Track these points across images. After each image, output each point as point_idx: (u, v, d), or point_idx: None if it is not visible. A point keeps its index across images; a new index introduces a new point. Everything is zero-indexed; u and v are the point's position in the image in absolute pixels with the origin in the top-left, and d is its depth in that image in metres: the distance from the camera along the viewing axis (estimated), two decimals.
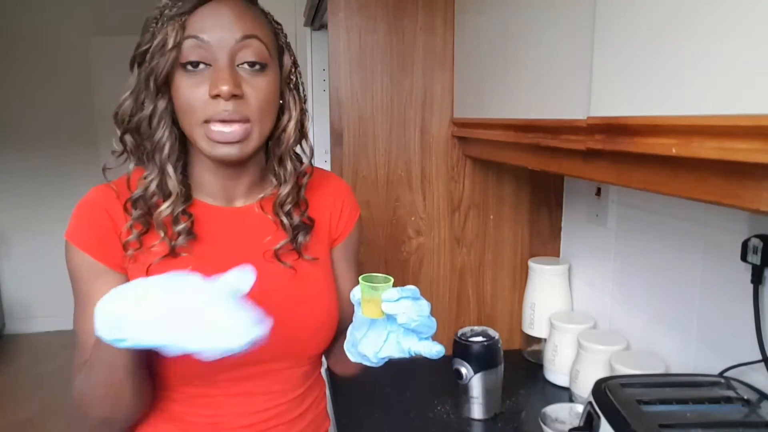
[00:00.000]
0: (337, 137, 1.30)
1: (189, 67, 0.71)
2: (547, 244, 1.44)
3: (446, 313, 1.41)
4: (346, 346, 0.78)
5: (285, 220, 0.80)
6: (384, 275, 0.69)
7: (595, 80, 0.68)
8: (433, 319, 0.71)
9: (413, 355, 0.73)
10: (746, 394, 0.79)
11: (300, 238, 0.82)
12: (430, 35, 1.29)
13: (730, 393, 0.80)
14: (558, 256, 1.45)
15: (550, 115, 0.82)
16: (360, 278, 0.69)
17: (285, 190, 0.80)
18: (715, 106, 0.48)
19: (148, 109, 0.73)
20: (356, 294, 0.70)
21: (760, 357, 0.83)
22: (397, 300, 0.66)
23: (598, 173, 0.73)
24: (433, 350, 0.72)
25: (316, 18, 1.81)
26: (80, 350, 0.75)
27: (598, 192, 1.27)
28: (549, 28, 0.82)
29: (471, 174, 1.37)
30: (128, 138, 0.76)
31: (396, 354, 0.73)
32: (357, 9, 1.26)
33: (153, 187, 0.74)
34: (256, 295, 0.69)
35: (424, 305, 0.69)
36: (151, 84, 0.72)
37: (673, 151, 0.54)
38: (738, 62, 0.46)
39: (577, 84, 0.72)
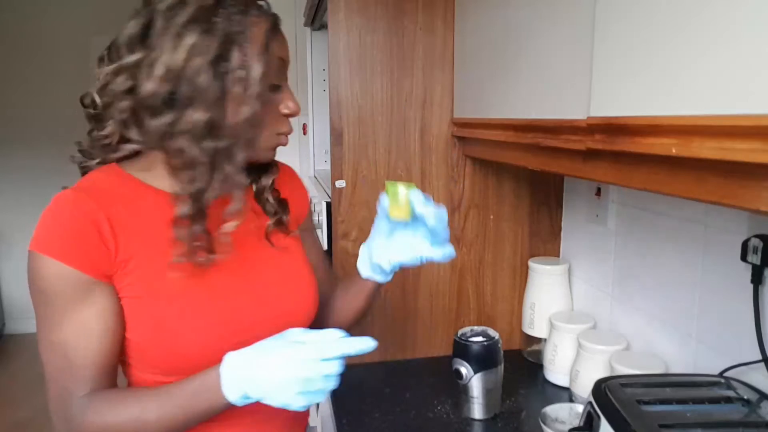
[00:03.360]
0: (337, 137, 1.30)
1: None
2: (547, 244, 1.44)
3: (446, 313, 1.41)
4: (360, 263, 0.91)
5: (269, 206, 0.86)
6: (406, 182, 0.79)
7: (595, 80, 0.68)
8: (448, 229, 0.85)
9: (424, 261, 0.87)
10: (746, 394, 0.79)
11: (284, 217, 0.88)
12: (430, 35, 1.29)
13: (730, 393, 0.80)
14: (558, 256, 1.44)
15: (550, 115, 0.82)
16: (386, 182, 0.81)
17: (269, 181, 0.85)
18: (715, 106, 0.48)
19: (259, 123, 0.74)
20: (384, 200, 0.84)
21: (760, 357, 0.83)
22: (425, 203, 0.81)
23: (598, 173, 0.73)
24: (447, 252, 0.85)
25: (316, 18, 1.81)
26: (72, 378, 0.71)
27: (598, 192, 1.27)
28: (549, 28, 0.82)
29: (471, 174, 1.37)
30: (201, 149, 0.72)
31: (408, 260, 0.87)
32: (357, 9, 1.26)
33: (236, 205, 0.74)
34: (257, 277, 0.79)
35: (443, 210, 0.82)
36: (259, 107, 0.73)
37: (673, 151, 0.54)
38: (738, 62, 0.46)
39: (577, 84, 0.72)
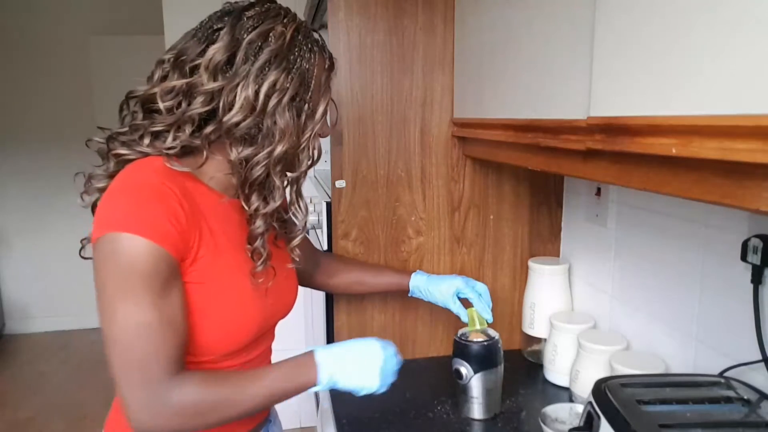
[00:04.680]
0: (337, 137, 1.30)
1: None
2: (547, 244, 1.44)
3: (446, 312, 1.40)
4: (414, 283, 1.18)
5: (276, 222, 0.92)
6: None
7: (595, 80, 0.68)
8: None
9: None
10: (746, 394, 0.79)
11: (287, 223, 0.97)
12: (430, 35, 1.29)
13: (730, 393, 0.80)
14: (558, 256, 1.44)
15: (550, 115, 0.82)
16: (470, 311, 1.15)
17: (284, 194, 0.88)
18: (715, 106, 0.48)
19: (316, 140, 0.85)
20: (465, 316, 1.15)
21: (760, 357, 0.83)
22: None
23: (598, 173, 0.73)
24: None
25: (316, 18, 1.81)
26: (164, 360, 0.74)
27: (598, 192, 1.27)
28: (549, 28, 0.82)
29: (471, 174, 1.37)
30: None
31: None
32: (357, 9, 1.26)
33: (300, 222, 0.89)
34: (277, 273, 0.89)
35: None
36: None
37: (673, 151, 0.54)
38: (738, 62, 0.46)
39: (577, 84, 0.72)
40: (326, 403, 1.22)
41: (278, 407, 1.03)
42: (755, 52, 0.44)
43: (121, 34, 3.80)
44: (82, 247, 0.84)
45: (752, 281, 0.84)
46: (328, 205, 1.32)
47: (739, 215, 0.87)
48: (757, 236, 0.83)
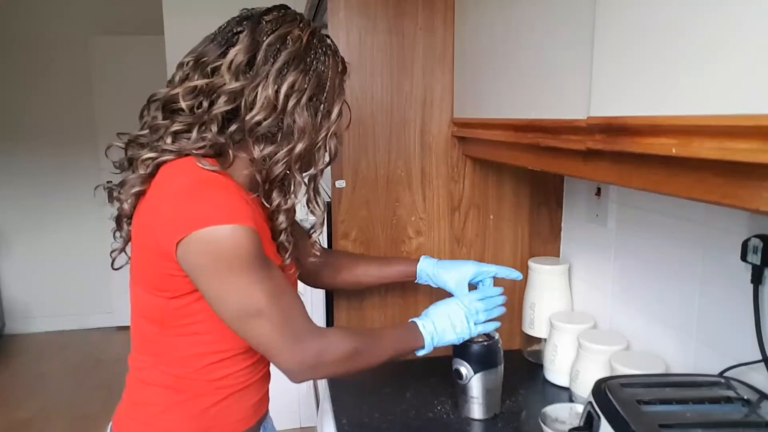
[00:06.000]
0: (337, 137, 1.29)
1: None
2: (547, 244, 1.44)
3: None
4: (423, 269, 1.18)
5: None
6: None
7: (595, 80, 0.68)
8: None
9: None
10: (746, 394, 0.79)
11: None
12: (430, 35, 1.29)
13: (730, 393, 0.80)
14: (558, 256, 1.44)
15: (550, 115, 0.82)
16: None
17: (295, 201, 0.91)
18: (715, 106, 0.48)
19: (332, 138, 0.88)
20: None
21: (760, 357, 0.83)
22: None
23: (598, 173, 0.73)
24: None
25: (316, 18, 1.81)
26: (304, 313, 0.85)
27: (598, 192, 1.27)
28: (549, 28, 0.83)
29: (471, 174, 1.37)
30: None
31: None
32: (357, 9, 1.26)
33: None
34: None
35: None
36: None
37: (673, 151, 0.54)
38: (738, 62, 0.46)
39: (577, 84, 0.72)
40: (326, 403, 1.22)
41: (278, 407, 1.03)
42: (755, 52, 0.44)
43: (121, 34, 3.80)
44: (114, 260, 0.90)
45: (752, 281, 0.84)
46: (328, 205, 1.32)
47: (739, 215, 0.87)
48: (757, 236, 0.83)
